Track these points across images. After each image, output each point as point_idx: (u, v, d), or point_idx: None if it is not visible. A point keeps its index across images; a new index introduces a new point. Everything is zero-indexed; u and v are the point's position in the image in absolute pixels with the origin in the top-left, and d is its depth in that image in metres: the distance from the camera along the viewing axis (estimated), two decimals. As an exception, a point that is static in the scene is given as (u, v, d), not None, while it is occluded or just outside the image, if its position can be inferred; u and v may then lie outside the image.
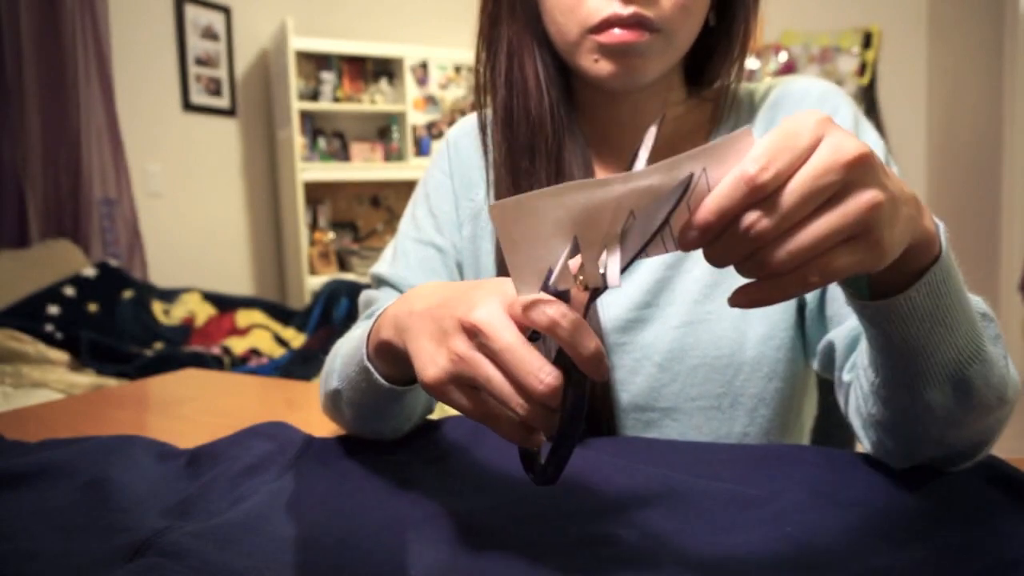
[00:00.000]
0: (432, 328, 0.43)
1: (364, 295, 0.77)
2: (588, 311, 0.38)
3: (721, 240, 0.34)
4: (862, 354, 0.52)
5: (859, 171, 0.33)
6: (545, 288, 0.39)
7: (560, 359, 0.38)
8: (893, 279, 0.41)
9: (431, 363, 0.42)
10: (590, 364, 0.37)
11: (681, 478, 0.54)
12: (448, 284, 0.50)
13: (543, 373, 0.37)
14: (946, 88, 3.54)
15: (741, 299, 0.35)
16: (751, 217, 0.33)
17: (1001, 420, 0.50)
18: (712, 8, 0.66)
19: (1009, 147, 3.54)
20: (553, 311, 0.37)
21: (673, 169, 0.33)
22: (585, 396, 0.38)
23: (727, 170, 0.33)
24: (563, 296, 0.38)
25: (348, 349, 0.60)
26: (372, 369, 0.54)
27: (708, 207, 0.33)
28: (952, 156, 3.60)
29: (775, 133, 0.33)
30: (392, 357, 0.52)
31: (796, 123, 0.33)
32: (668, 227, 0.34)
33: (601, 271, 0.36)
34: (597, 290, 0.37)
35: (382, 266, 0.77)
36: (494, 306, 0.39)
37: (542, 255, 0.36)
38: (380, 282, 0.76)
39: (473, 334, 0.40)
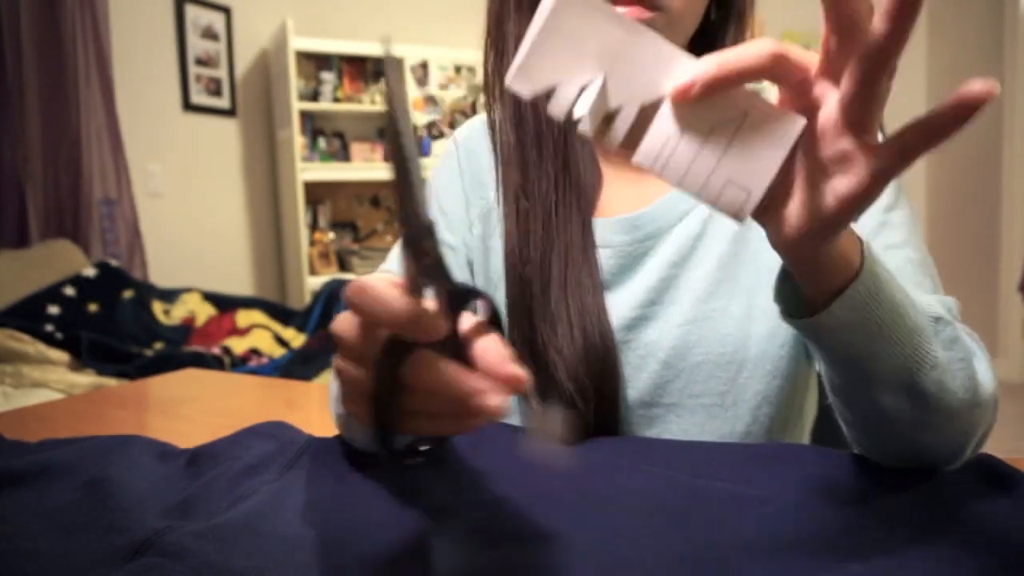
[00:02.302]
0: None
1: None
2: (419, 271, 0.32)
3: None
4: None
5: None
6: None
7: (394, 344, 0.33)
8: (819, 296, 0.43)
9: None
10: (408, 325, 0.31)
11: (681, 478, 0.54)
12: None
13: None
14: (946, 88, 3.54)
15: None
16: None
17: (979, 422, 0.50)
18: (713, 4, 0.67)
19: (1009, 147, 3.54)
20: (353, 286, 0.32)
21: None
22: (403, 352, 0.33)
23: (764, 133, 0.33)
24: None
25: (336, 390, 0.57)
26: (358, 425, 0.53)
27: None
28: (952, 156, 3.60)
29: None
30: None
31: None
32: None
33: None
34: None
35: (390, 265, 0.77)
36: (345, 313, 0.36)
37: (570, 62, 0.32)
38: None
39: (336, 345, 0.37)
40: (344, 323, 0.36)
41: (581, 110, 0.33)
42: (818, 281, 0.42)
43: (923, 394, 0.45)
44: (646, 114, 0.33)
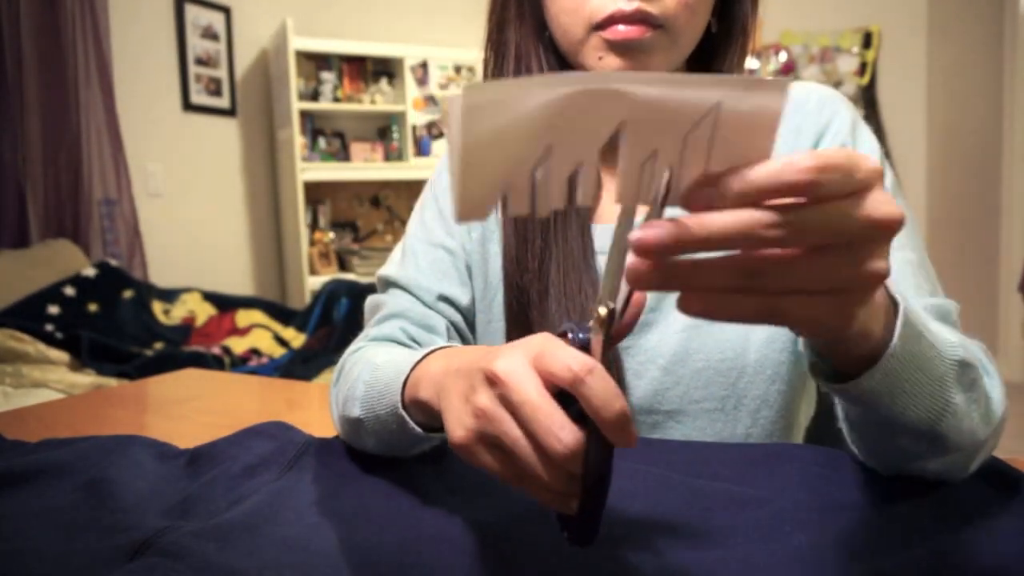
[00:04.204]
0: (462, 385, 0.41)
1: (371, 299, 0.76)
2: (608, 358, 0.34)
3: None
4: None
5: (887, 236, 0.31)
6: (572, 339, 0.36)
7: (584, 414, 0.34)
8: (845, 366, 0.42)
9: (458, 424, 0.39)
10: (612, 429, 0.33)
11: (681, 478, 0.54)
12: (487, 346, 0.49)
13: (563, 432, 0.33)
14: (946, 88, 3.54)
15: (695, 305, 0.31)
16: (770, 218, 0.29)
17: (989, 444, 0.50)
18: (714, 14, 0.67)
19: (1009, 147, 3.54)
20: (568, 358, 0.34)
21: (686, 86, 0.27)
22: (611, 453, 0.34)
23: (743, 123, 0.28)
24: (586, 347, 0.35)
25: (373, 381, 0.58)
26: (408, 419, 0.53)
27: (756, 176, 0.29)
28: (952, 156, 3.60)
29: (837, 150, 0.30)
30: (428, 411, 0.50)
31: (856, 155, 0.30)
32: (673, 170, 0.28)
33: (615, 306, 0.32)
34: (610, 324, 0.33)
35: (390, 268, 0.76)
36: (517, 357, 0.37)
37: (505, 168, 0.28)
38: (388, 284, 0.75)
39: (494, 384, 0.37)
40: (535, 386, 0.35)
41: (545, 196, 0.30)
42: (840, 357, 0.41)
43: (940, 438, 0.45)
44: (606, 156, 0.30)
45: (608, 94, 0.27)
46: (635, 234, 0.29)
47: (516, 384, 0.36)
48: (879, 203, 0.30)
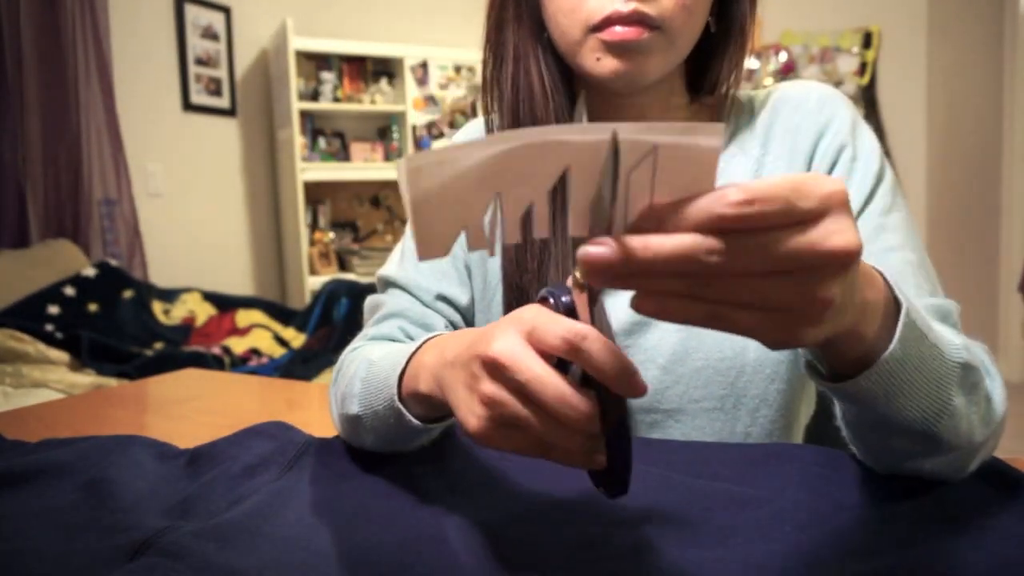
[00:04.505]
0: (463, 375, 0.41)
1: (370, 300, 0.76)
2: (595, 314, 0.35)
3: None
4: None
5: (836, 267, 0.30)
6: (555, 304, 0.37)
7: (588, 377, 0.36)
8: (841, 367, 0.41)
9: (470, 414, 0.40)
10: (619, 384, 0.34)
11: (681, 478, 0.54)
12: (476, 328, 0.49)
13: (575, 400, 0.35)
14: (946, 88, 3.54)
15: (647, 305, 0.32)
16: (710, 244, 0.29)
17: (988, 445, 0.50)
18: (712, 14, 0.67)
19: (1009, 147, 3.55)
20: (560, 329, 0.35)
21: (622, 134, 0.29)
22: (623, 406, 0.36)
23: (682, 162, 0.30)
24: (572, 310, 0.36)
25: (370, 377, 0.58)
26: (405, 412, 0.53)
27: (689, 211, 0.30)
28: (952, 156, 3.60)
29: (784, 178, 0.30)
30: (430, 405, 0.51)
31: (809, 184, 0.30)
32: (613, 201, 0.30)
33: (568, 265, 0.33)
34: (596, 292, 0.35)
35: (389, 269, 0.76)
36: (511, 336, 0.37)
37: (457, 213, 0.31)
38: (387, 284, 0.75)
39: (496, 370, 0.38)
40: (537, 363, 0.36)
41: (500, 237, 0.32)
42: (833, 358, 0.41)
43: (936, 438, 0.45)
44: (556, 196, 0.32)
45: (549, 145, 0.30)
46: (584, 249, 0.30)
47: (516, 364, 0.36)
48: (830, 233, 0.30)
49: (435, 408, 0.51)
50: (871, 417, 0.45)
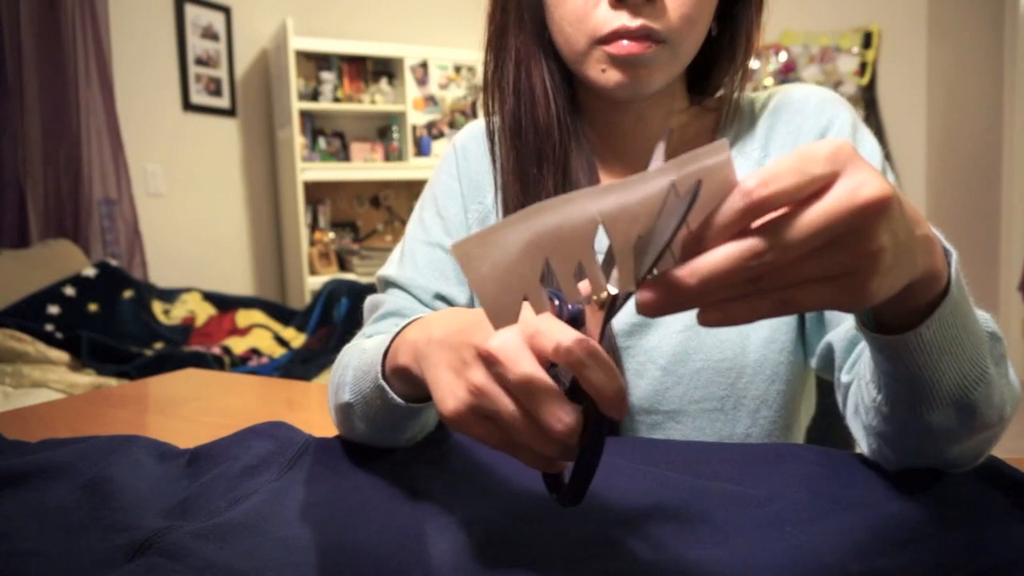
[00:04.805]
0: (450, 357, 0.42)
1: (370, 300, 0.76)
2: (604, 333, 0.36)
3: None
4: (864, 367, 0.51)
5: (872, 218, 0.30)
6: (560, 312, 0.37)
7: (576, 387, 0.36)
8: (900, 312, 0.40)
9: (450, 395, 0.40)
10: (611, 406, 0.35)
11: (681, 478, 0.54)
12: (467, 310, 0.49)
13: (563, 411, 0.35)
14: (946, 88, 3.54)
15: (713, 317, 0.32)
16: (750, 246, 0.30)
17: (998, 434, 0.50)
18: (715, 19, 0.66)
19: (1009, 147, 3.54)
20: (567, 339, 0.35)
21: (637, 185, 0.31)
22: (604, 423, 0.36)
23: (706, 184, 0.31)
24: (578, 318, 0.36)
25: (360, 363, 0.59)
26: (387, 388, 0.54)
27: (718, 219, 0.31)
28: (952, 156, 3.60)
29: (788, 154, 0.31)
30: (409, 380, 0.51)
31: (812, 148, 0.31)
32: (668, 244, 0.32)
33: (610, 284, 0.34)
34: (612, 308, 0.35)
35: (389, 269, 0.77)
36: (511, 333, 0.37)
37: (514, 285, 0.33)
38: (387, 284, 0.76)
39: (490, 363, 0.38)
40: (535, 367, 0.36)
41: (555, 300, 0.34)
42: (908, 305, 0.40)
43: (970, 408, 0.45)
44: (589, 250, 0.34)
45: (578, 212, 0.32)
46: (637, 297, 0.32)
47: (512, 363, 0.37)
48: (855, 187, 0.30)
49: (415, 385, 0.50)
50: (914, 391, 0.44)
